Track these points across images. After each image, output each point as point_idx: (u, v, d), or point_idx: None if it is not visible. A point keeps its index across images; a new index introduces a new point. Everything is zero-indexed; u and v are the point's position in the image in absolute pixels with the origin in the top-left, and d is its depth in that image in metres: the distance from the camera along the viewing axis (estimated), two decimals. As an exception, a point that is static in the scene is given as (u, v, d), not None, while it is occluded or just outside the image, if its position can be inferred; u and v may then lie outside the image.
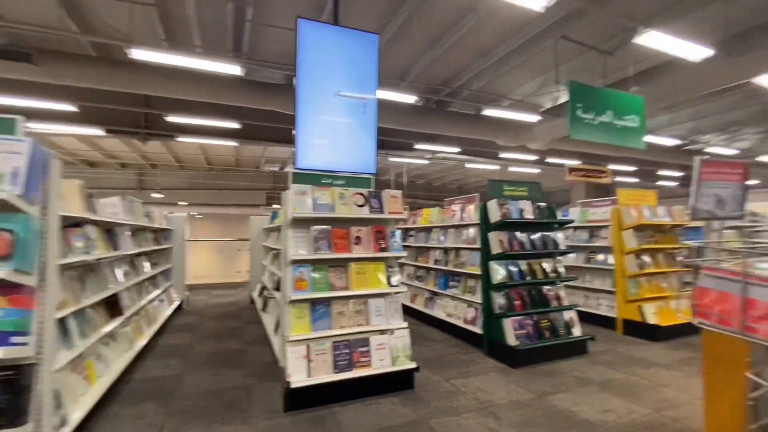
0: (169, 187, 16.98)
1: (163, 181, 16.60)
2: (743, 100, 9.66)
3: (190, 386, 3.53)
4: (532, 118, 7.89)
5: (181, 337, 5.21)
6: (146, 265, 5.25)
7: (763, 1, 5.28)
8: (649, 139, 9.99)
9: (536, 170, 14.22)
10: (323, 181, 3.51)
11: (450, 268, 5.29)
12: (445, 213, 5.74)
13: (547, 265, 4.46)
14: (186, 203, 16.53)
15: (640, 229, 5.18)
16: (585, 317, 5.69)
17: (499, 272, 4.21)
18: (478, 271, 4.53)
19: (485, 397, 3.23)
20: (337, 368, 3.16)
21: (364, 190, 3.52)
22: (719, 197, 1.39)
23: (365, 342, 3.30)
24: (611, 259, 5.38)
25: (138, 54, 4.80)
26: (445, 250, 5.62)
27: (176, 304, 6.63)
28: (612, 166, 14.03)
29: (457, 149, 10.73)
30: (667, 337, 4.90)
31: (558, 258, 4.67)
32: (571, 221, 4.82)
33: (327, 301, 3.30)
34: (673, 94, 6.05)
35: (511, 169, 14.39)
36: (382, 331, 3.42)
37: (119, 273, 3.99)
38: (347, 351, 3.23)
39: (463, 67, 7.94)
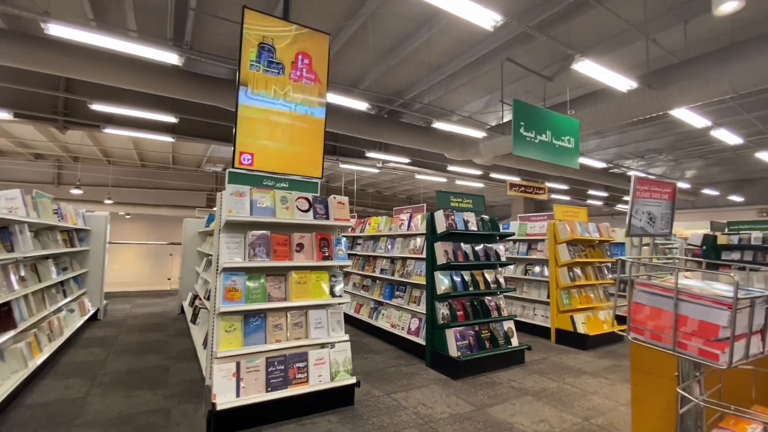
0: (92, 183, 15.32)
1: (86, 176, 14.93)
2: (659, 131, 10.86)
3: (95, 411, 3.06)
4: (479, 134, 8.19)
5: (92, 352, 4.58)
6: (53, 270, 4.58)
7: (678, 44, 5.97)
8: (581, 160, 10.87)
9: (481, 184, 14.84)
10: (265, 183, 3.28)
11: (396, 277, 5.24)
12: (393, 222, 5.69)
13: (489, 276, 4.56)
14: (112, 201, 14.99)
15: (572, 243, 5.52)
16: (522, 327, 5.92)
17: (443, 282, 4.22)
18: (423, 281, 4.51)
19: (426, 411, 3.16)
20: (271, 387, 2.92)
21: (309, 195, 3.34)
22: (651, 215, 1.43)
23: (303, 357, 3.09)
24: (547, 271, 5.66)
25: (56, 30, 4.21)
26: (392, 260, 5.56)
27: (90, 313, 5.87)
28: (548, 184, 15.05)
29: (407, 160, 10.86)
30: (594, 345, 5.22)
31: (499, 269, 4.80)
32: (512, 234, 5.01)
33: (262, 313, 3.06)
34: (603, 120, 6.59)
35: (458, 182, 14.89)
36: (323, 345, 3.23)
37: (13, 279, 3.40)
38: (282, 367, 3.00)
39: (415, 80, 8.08)
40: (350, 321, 6.14)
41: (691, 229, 13.83)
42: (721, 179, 16.65)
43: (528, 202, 22.75)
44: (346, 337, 3.31)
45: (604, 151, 13.36)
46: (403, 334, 4.83)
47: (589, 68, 4.89)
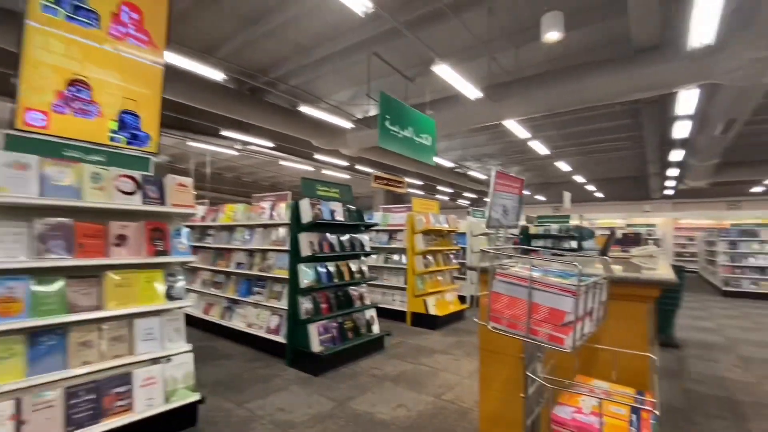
0: None
1: None
2: (493, 138, 12.83)
3: None
4: (346, 124, 8.17)
5: None
6: None
7: (511, 65, 7.04)
8: (435, 158, 12.04)
9: (347, 176, 15.04)
10: (66, 153, 2.43)
11: (255, 272, 4.75)
12: (252, 210, 5.14)
13: (353, 266, 4.53)
14: None
15: (427, 233, 5.99)
16: (383, 313, 6.17)
17: (307, 275, 3.99)
18: (286, 275, 4.18)
19: (284, 417, 2.91)
20: (74, 424, 2.20)
21: (137, 173, 2.64)
22: (505, 207, 1.49)
23: (125, 379, 2.44)
24: (405, 259, 6.02)
25: None
26: (251, 252, 5.03)
27: None
28: (406, 179, 16.25)
29: (271, 144, 10.12)
30: (443, 324, 5.81)
31: (363, 259, 4.83)
32: (376, 224, 5.11)
33: (60, 329, 2.27)
34: (454, 123, 7.34)
35: (325, 171, 14.76)
36: (155, 360, 2.62)
37: None
38: (94, 396, 2.30)
39: (282, 59, 7.50)
40: (197, 324, 5.35)
41: (511, 222, 16.96)
42: (532, 182, 20.89)
43: (388, 194, 24.25)
44: (188, 346, 2.77)
45: (452, 152, 15.12)
46: (262, 333, 4.42)
47: (445, 72, 5.30)
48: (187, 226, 2.99)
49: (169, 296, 2.72)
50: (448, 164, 12.66)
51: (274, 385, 3.50)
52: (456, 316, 6.20)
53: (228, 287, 5.18)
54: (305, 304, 3.93)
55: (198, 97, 6.65)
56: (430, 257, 6.11)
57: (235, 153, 11.75)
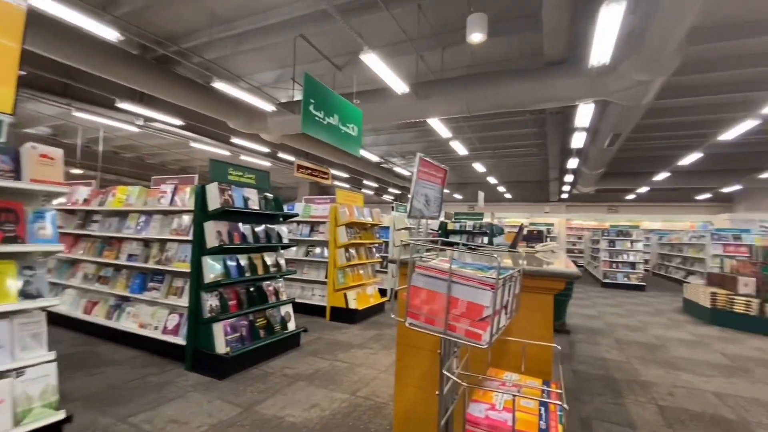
0: None
1: None
2: (418, 136, 13.16)
3: None
4: (267, 106, 7.63)
5: None
6: None
7: (437, 65, 7.21)
8: (361, 151, 11.95)
9: (268, 163, 14.21)
10: None
11: (151, 264, 4.15)
12: (150, 194, 4.48)
13: (269, 259, 4.21)
14: None
15: (350, 226, 5.87)
16: (301, 308, 5.90)
17: (213, 268, 3.58)
18: (188, 268, 3.71)
19: (177, 430, 2.55)
20: None
21: (-23, 138, 2.05)
22: (427, 197, 1.41)
23: (-50, 401, 1.89)
24: (326, 252, 5.82)
25: None
26: (147, 242, 4.39)
27: None
28: (332, 171, 15.95)
29: (180, 122, 9.05)
30: (362, 318, 5.75)
31: (281, 251, 4.53)
32: (296, 215, 4.83)
33: None
34: (381, 117, 7.30)
35: (244, 158, 13.74)
36: (2, 374, 2.09)
37: None
38: None
39: (196, 28, 6.73)
40: (76, 326, 4.53)
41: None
42: (451, 181, 22.04)
43: (313, 186, 23.63)
44: (50, 355, 2.26)
45: (378, 147, 15.20)
46: (157, 335, 3.88)
47: (373, 62, 5.20)
48: (64, 210, 2.44)
49: (25, 294, 2.18)
50: (374, 158, 12.67)
51: (169, 394, 3.08)
52: (376, 310, 6.19)
53: (117, 282, 4.46)
54: (210, 301, 3.53)
55: (88, 59, 5.60)
56: (352, 250, 6.00)
57: (136, 130, 10.30)
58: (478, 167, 14.32)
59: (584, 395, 3.29)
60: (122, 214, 4.69)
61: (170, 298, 3.97)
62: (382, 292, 7.30)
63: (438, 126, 8.14)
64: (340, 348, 4.40)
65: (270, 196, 4.37)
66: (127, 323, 4.19)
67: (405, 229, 8.02)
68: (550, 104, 6.23)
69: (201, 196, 3.67)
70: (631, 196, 18.71)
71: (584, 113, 6.88)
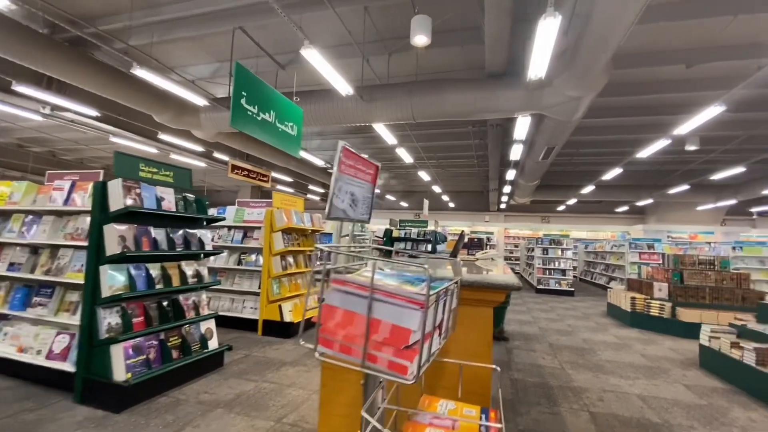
0: None
1: None
2: (366, 143, 13.01)
3: None
4: (199, 101, 6.98)
5: None
6: None
7: (384, 70, 7.11)
8: (305, 155, 11.50)
9: (202, 164, 13.19)
10: None
11: (38, 275, 3.46)
12: (41, 191, 3.77)
13: (188, 269, 3.71)
14: None
15: (288, 232, 5.47)
16: (229, 323, 5.36)
17: (115, 280, 3.04)
18: (83, 280, 3.11)
19: (46, 485, 2.03)
20: None
21: None
22: (354, 196, 1.18)
23: None
24: (261, 260, 5.37)
25: None
26: (34, 249, 3.67)
27: None
28: (275, 174, 15.25)
29: (94, 112, 8.00)
30: (298, 332, 5.35)
31: (204, 259, 4.04)
32: (222, 219, 4.36)
33: None
34: (324, 118, 7.01)
35: (175, 157, 12.61)
36: None
37: None
38: None
39: (119, 10, 6.01)
40: (-69, 351, 3.64)
41: (378, 225, 17.61)
42: (397, 189, 22.22)
43: (255, 190, 22.50)
44: None
45: (325, 152, 14.83)
46: (39, 360, 3.21)
47: (315, 59, 4.94)
48: None
49: None
50: (320, 162, 12.27)
51: (45, 435, 2.50)
52: (314, 322, 5.81)
53: (-9, 297, 3.67)
54: (108, 319, 2.98)
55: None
56: (290, 258, 5.60)
57: (40, 119, 8.95)
58: (424, 176, 14.52)
59: (522, 406, 3.24)
60: (4, 215, 3.90)
61: (61, 316, 3.32)
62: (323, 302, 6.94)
63: (384, 132, 8.03)
64: (269, 366, 3.99)
65: (191, 197, 3.89)
66: (2, 347, 3.44)
67: (348, 235, 7.75)
68: (490, 115, 6.38)
69: (101, 195, 3.12)
70: (561, 208, 20.15)
71: (522, 126, 7.16)
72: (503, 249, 21.04)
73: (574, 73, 5.02)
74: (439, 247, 9.65)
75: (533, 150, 9.16)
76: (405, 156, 10.47)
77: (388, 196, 21.18)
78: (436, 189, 18.31)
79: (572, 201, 17.44)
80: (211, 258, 5.59)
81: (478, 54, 6.29)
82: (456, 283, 1.36)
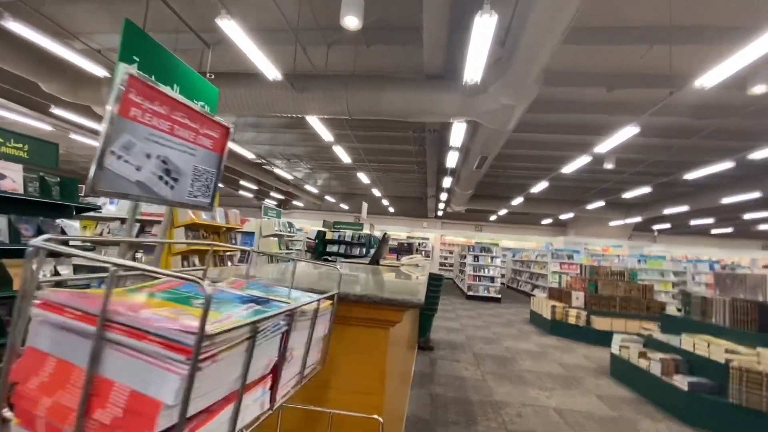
0: None
1: None
2: (302, 139, 12.37)
3: None
4: (100, 71, 5.96)
5: None
6: None
7: (321, 62, 6.66)
8: (234, 147, 10.56)
9: (113, 148, 11.56)
10: None
11: None
12: None
13: (44, 268, 2.92)
14: None
15: (193, 228, 4.76)
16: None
17: None
18: None
19: None
20: None
21: None
22: (170, 164, 0.74)
23: None
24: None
25: None
26: None
27: None
28: (201, 166, 13.91)
29: (-42, 73, 6.50)
30: (202, 343, 4.66)
31: (65, 258, 3.25)
32: (96, 208, 3.59)
33: None
34: (249, 105, 6.36)
35: (76, 137, 10.90)
36: None
37: None
38: None
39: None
40: None
41: (315, 227, 16.93)
42: (338, 191, 21.69)
43: (181, 183, 20.53)
44: None
45: (260, 146, 13.89)
46: None
47: (233, 32, 4.37)
48: None
49: None
50: (249, 155, 11.37)
51: None
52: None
53: None
54: None
55: None
56: (194, 259, 4.88)
57: None
58: (363, 178, 14.20)
59: (439, 427, 2.97)
60: None
61: None
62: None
63: (319, 127, 7.54)
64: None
65: (54, 179, 3.11)
66: None
67: (274, 236, 7.13)
68: (427, 118, 6.22)
69: None
70: (493, 217, 21.07)
71: (458, 132, 7.12)
72: (438, 254, 21.46)
73: (508, 82, 5.01)
74: (372, 251, 9.35)
75: (468, 158, 9.27)
76: (343, 155, 10.06)
77: (328, 198, 20.58)
78: (376, 192, 18.13)
79: (503, 212, 18.27)
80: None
81: (419, 55, 6.10)
82: (332, 299, 0.97)
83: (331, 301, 0.95)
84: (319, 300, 0.83)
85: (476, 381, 4.10)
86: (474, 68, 4.57)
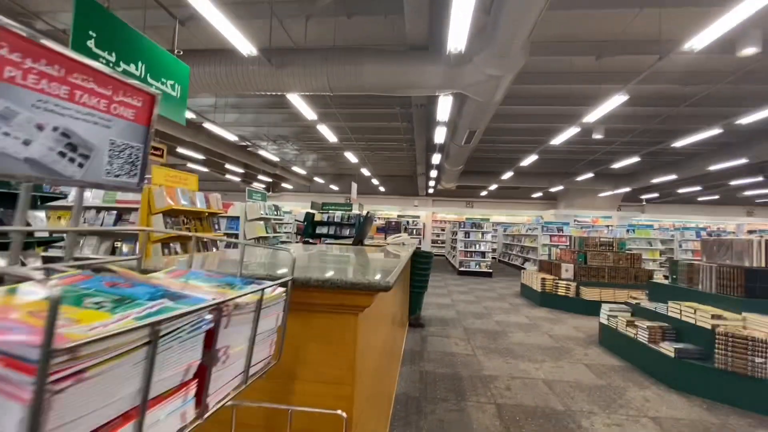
0: None
1: None
2: (287, 119, 12.04)
3: None
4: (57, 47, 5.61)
5: None
6: None
7: (300, 36, 6.35)
8: (217, 130, 10.22)
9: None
10: None
11: None
12: None
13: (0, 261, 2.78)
14: None
15: (172, 214, 4.60)
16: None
17: None
18: None
19: None
20: None
21: None
22: (71, 136, 0.61)
23: None
24: (137, 249, 4.45)
25: None
26: None
27: None
28: (185, 151, 13.56)
29: None
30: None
31: (34, 250, 3.11)
32: (62, 197, 3.42)
33: None
34: (229, 84, 6.08)
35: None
36: None
37: None
38: None
39: None
40: None
41: (305, 209, 16.74)
42: (327, 171, 21.40)
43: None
44: None
45: (244, 128, 13.51)
46: None
47: (202, 4, 4.08)
48: None
49: None
50: (232, 137, 11.03)
51: None
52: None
53: None
54: None
55: None
56: (176, 247, 4.74)
57: None
58: (351, 157, 13.96)
59: (428, 404, 2.96)
60: None
61: None
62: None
63: (301, 105, 7.29)
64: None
65: (13, 166, 2.91)
66: None
67: (259, 219, 6.98)
68: (412, 91, 6.02)
69: None
70: (484, 193, 21.05)
71: (444, 106, 6.93)
72: (430, 232, 21.51)
73: (494, 51, 4.82)
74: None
75: (456, 133, 9.10)
76: (328, 134, 9.81)
77: (317, 179, 20.31)
78: (366, 172, 17.92)
79: (494, 187, 18.24)
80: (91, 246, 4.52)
81: (401, 26, 5.83)
82: (286, 285, 0.88)
83: (284, 289, 0.85)
84: (263, 289, 0.73)
85: (466, 356, 4.11)
86: (457, 36, 4.37)
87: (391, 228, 6.11)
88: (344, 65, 5.68)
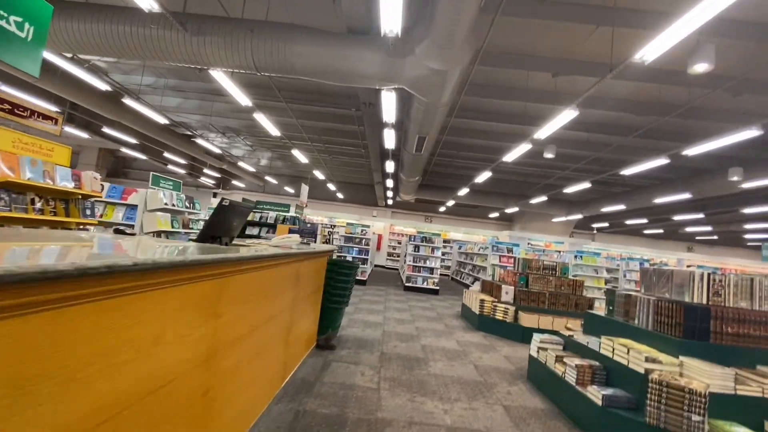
0: None
1: None
2: (234, 110, 11.08)
3: None
4: None
5: None
6: None
7: (230, 3, 5.57)
8: (142, 109, 8.98)
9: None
10: None
11: None
12: None
13: None
14: None
15: (18, 190, 3.60)
16: None
17: None
18: None
19: None
20: None
21: None
22: None
23: None
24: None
25: None
26: None
27: None
28: (111, 131, 12.22)
29: None
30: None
31: None
32: None
33: None
34: (121, 47, 5.13)
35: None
36: None
37: None
38: None
39: None
40: None
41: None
42: (283, 172, 20.35)
43: (106, 155, 18.31)
44: None
45: (188, 114, 12.38)
46: None
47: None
48: None
49: None
50: (161, 120, 9.85)
51: None
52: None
53: None
54: None
55: None
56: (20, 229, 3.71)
57: None
58: (300, 156, 13.11)
59: (280, 464, 2.18)
60: None
61: None
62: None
63: (228, 85, 6.43)
64: None
65: None
66: None
67: (161, 210, 5.98)
68: (347, 80, 5.35)
69: None
70: (443, 209, 20.77)
71: (389, 105, 6.35)
72: (387, 244, 20.89)
73: (434, 41, 4.26)
74: (302, 234, 8.39)
75: (407, 140, 8.55)
76: (269, 126, 8.96)
77: (269, 179, 19.20)
78: (320, 175, 17.08)
79: (451, 202, 17.94)
80: None
81: (344, 6, 5.19)
82: None
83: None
84: None
85: (366, 390, 3.37)
86: (390, 14, 3.78)
87: (305, 231, 5.35)
88: (271, 41, 4.94)
